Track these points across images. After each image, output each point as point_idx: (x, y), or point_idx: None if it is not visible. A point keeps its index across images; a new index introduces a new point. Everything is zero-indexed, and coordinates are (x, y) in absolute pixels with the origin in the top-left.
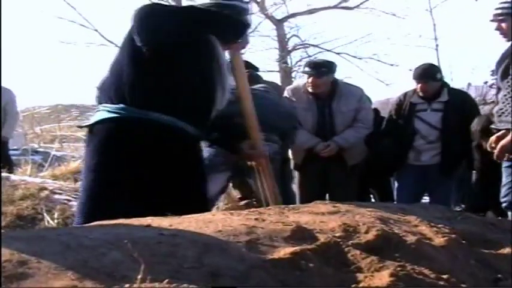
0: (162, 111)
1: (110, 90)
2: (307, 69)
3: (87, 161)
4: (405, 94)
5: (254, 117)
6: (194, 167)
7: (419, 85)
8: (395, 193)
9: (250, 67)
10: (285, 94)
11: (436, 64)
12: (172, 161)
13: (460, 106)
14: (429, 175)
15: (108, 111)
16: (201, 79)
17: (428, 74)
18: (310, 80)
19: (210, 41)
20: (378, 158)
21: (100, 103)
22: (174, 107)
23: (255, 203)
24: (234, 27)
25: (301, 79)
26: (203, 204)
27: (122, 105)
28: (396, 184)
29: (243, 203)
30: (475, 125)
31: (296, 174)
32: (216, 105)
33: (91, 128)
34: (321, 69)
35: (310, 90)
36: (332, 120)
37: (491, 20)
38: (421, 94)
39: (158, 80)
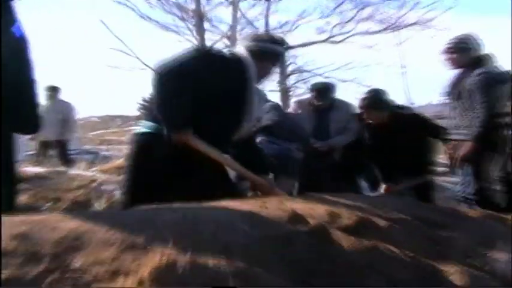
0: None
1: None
2: (314, 94)
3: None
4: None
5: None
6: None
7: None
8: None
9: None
10: (291, 105)
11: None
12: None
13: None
14: None
15: (145, 126)
16: (230, 108)
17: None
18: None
19: (244, 73)
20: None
21: (144, 117)
22: (198, 130)
23: None
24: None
25: (306, 95)
26: None
27: (154, 124)
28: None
29: None
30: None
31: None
32: (240, 131)
33: (134, 135)
34: (326, 94)
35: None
36: (328, 127)
37: (443, 52)
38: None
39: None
